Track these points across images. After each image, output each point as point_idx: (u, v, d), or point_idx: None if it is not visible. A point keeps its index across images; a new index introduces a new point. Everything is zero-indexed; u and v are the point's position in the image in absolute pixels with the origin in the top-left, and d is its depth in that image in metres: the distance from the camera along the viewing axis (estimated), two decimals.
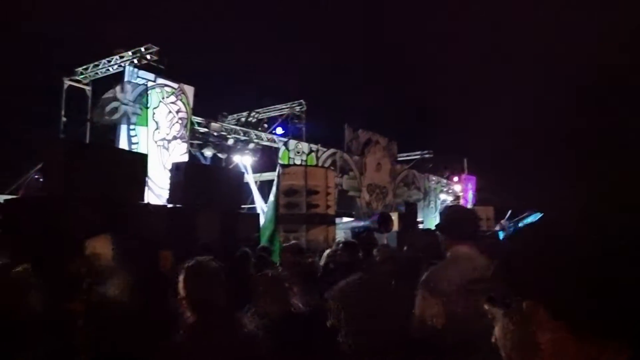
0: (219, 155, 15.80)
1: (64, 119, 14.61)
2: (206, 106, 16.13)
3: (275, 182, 10.52)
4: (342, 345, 1.73)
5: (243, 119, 17.64)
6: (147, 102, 13.63)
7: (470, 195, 26.80)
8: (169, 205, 8.40)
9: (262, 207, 14.41)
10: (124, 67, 13.72)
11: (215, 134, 15.65)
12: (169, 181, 8.98)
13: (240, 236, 8.47)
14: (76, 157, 6.63)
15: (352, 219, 15.48)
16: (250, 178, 16.17)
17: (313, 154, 17.83)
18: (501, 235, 15.83)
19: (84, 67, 14.86)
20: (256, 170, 16.75)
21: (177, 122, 14.44)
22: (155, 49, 14.03)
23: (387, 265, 4.44)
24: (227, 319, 2.17)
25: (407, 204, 15.93)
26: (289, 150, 17.00)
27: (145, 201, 8.99)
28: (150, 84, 13.77)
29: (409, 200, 20.17)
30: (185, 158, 14.09)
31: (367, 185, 20.02)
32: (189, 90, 14.84)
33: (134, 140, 13.37)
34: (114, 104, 12.98)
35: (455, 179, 26.53)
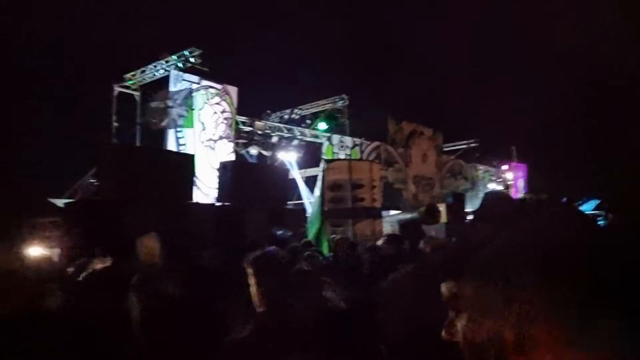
0: (264, 153, 16.02)
1: (115, 124, 15.18)
2: (250, 105, 16.40)
3: (319, 177, 10.56)
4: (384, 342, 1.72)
5: (286, 117, 17.79)
6: (193, 104, 13.97)
7: (521, 183, 26.04)
8: (217, 204, 8.59)
9: (309, 203, 14.51)
10: (170, 71, 14.10)
11: (259, 132, 15.87)
12: (216, 180, 9.17)
13: (289, 232, 8.56)
14: (128, 161, 6.89)
15: (399, 211, 15.35)
16: (297, 174, 16.32)
17: (357, 148, 17.79)
18: None
19: (132, 73, 15.37)
20: (301, 166, 16.87)
21: (222, 122, 14.73)
22: (198, 51, 14.35)
23: (437, 256, 4.38)
24: (294, 309, 2.20)
25: (454, 194, 15.63)
26: (332, 145, 17.03)
27: (194, 200, 9.23)
28: (195, 86, 14.10)
29: (456, 190, 19.83)
30: (231, 157, 14.36)
31: (413, 177, 19.79)
32: (233, 90, 15.10)
33: (181, 141, 13.74)
34: (162, 108, 13.38)
35: (505, 167, 25.83)
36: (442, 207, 12.86)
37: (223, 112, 14.79)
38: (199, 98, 14.17)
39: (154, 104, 13.46)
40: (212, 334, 2.29)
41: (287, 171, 11.59)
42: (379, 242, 7.29)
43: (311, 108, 19.01)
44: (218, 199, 8.77)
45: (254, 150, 15.64)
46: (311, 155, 17.39)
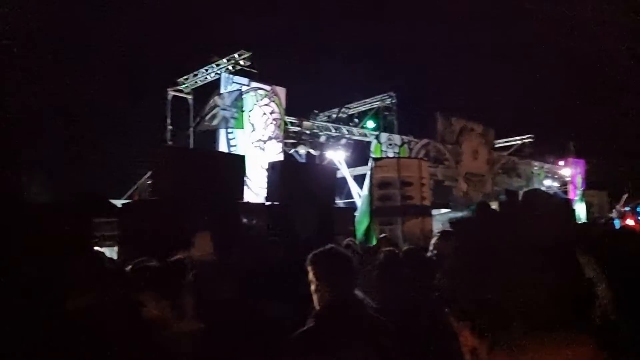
0: (312, 152, 16.16)
1: (169, 127, 15.75)
2: (298, 106, 16.59)
3: (368, 176, 10.56)
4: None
5: (334, 116, 17.87)
6: (243, 106, 14.28)
7: (579, 179, 24.99)
8: (267, 203, 8.76)
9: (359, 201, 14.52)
10: (220, 74, 14.47)
11: (307, 132, 16.02)
12: (265, 180, 9.35)
13: (337, 230, 8.62)
14: (182, 162, 7.16)
15: (449, 209, 15.11)
16: (346, 172, 16.38)
17: (405, 146, 17.64)
18: (617, 223, 14.60)
19: (185, 77, 15.90)
20: (349, 164, 16.90)
21: (271, 123, 14.97)
22: (247, 54, 14.65)
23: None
24: (357, 303, 2.24)
25: (508, 192, 15.24)
26: (380, 143, 16.96)
27: (245, 200, 9.45)
28: (244, 88, 14.41)
29: (509, 188, 19.30)
30: (280, 157, 14.57)
31: (464, 175, 19.41)
32: (281, 91, 15.32)
33: (232, 142, 14.07)
34: (214, 111, 13.76)
35: (561, 163, 24.86)
36: (494, 205, 12.57)
37: (272, 112, 15.03)
38: (248, 100, 14.47)
39: (206, 105, 13.87)
40: (268, 333, 2.36)
41: (334, 170, 11.64)
42: (432, 240, 7.24)
43: (359, 106, 18.99)
44: (267, 198, 8.93)
45: (302, 150, 15.81)
46: (359, 153, 17.40)
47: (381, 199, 10.31)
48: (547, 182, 23.62)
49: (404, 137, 17.78)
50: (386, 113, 18.71)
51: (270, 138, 14.93)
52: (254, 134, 14.56)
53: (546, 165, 24.29)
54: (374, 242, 8.41)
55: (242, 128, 14.22)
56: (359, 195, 14.42)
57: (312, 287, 2.26)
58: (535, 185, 22.87)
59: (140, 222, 6.23)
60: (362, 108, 18.92)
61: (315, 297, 2.26)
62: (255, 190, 13.01)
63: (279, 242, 4.43)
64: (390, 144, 17.16)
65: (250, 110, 14.49)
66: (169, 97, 15.92)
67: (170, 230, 5.43)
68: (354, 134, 17.36)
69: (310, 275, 2.27)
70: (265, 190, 9.02)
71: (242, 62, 14.65)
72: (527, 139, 23.75)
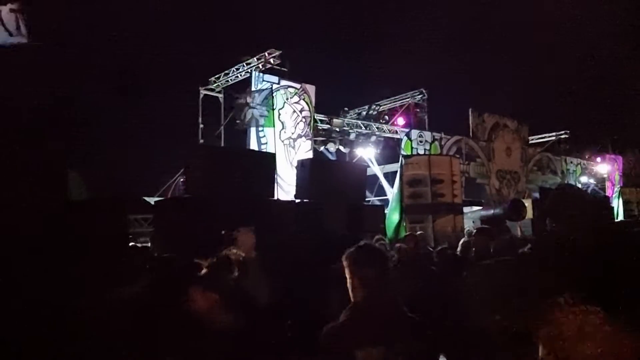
0: (342, 149, 16.16)
1: (201, 125, 16.00)
2: (328, 103, 16.60)
3: (398, 173, 10.51)
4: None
5: (364, 113, 17.81)
6: (273, 104, 14.38)
7: (616, 176, 24.29)
8: (297, 201, 8.80)
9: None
10: (251, 72, 14.61)
11: (337, 129, 16.02)
12: (295, 178, 9.39)
13: (367, 228, 8.61)
14: (214, 160, 7.27)
15: (480, 207, 14.90)
16: (377, 169, 16.35)
17: (436, 143, 17.46)
18: None
19: (216, 76, 16.11)
20: (379, 162, 16.84)
21: (301, 120, 15.04)
22: (277, 52, 14.74)
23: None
24: (391, 301, 2.27)
25: (542, 189, 14.92)
26: (411, 140, 16.83)
27: (276, 197, 9.53)
28: (274, 86, 14.51)
29: (544, 185, 18.89)
30: (310, 155, 14.63)
31: (497, 172, 19.09)
32: (311, 89, 15.37)
33: (262, 141, 14.20)
34: (245, 109, 13.91)
35: (598, 159, 24.21)
36: (527, 203, 12.35)
37: (302, 110, 15.10)
38: (278, 98, 14.57)
39: (236, 103, 14.02)
40: (308, 325, 2.41)
41: (364, 167, 11.61)
42: (465, 238, 7.16)
43: (389, 103, 18.88)
44: (296, 196, 8.97)
45: (332, 147, 15.83)
46: (390, 151, 17.31)
47: (412, 196, 10.25)
48: (584, 179, 23.06)
49: (434, 134, 17.60)
50: (417, 110, 18.55)
51: (300, 136, 15.00)
52: (284, 132, 14.65)
53: (582, 162, 23.69)
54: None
55: (273, 126, 14.33)
56: (391, 192, 14.36)
57: (348, 283, 2.31)
58: (571, 183, 22.34)
59: (175, 219, 6.36)
60: (392, 105, 18.80)
61: (350, 293, 2.30)
62: (286, 188, 13.10)
63: (309, 240, 4.47)
64: (420, 141, 17.01)
65: (280, 109, 14.58)
66: (201, 96, 16.17)
67: (204, 227, 5.53)
68: (384, 131, 17.27)
69: (346, 272, 2.32)
70: (295, 188, 9.07)
71: (272, 61, 14.76)
72: (562, 134, 23.21)
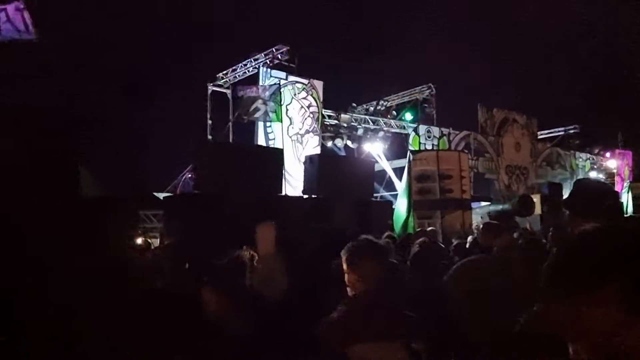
0: (350, 145, 16.14)
1: (209, 121, 16.02)
2: (335, 99, 16.59)
3: (406, 169, 10.47)
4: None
5: (372, 108, 17.76)
6: (281, 100, 14.39)
7: (626, 171, 24.09)
8: (305, 196, 8.81)
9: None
10: (259, 68, 14.62)
11: (345, 125, 16.00)
12: (303, 173, 9.40)
13: (374, 224, 8.60)
14: (223, 156, 7.29)
15: (489, 202, 14.84)
16: (386, 165, 16.33)
17: (444, 138, 17.39)
18: None
19: (224, 72, 16.12)
20: (387, 157, 16.81)
21: (308, 116, 15.04)
22: (285, 48, 14.73)
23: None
24: (390, 297, 2.26)
25: (550, 184, 14.82)
26: (419, 136, 16.78)
27: (284, 193, 9.54)
28: (282, 82, 14.51)
29: (553, 180, 18.78)
30: (317, 150, 14.63)
31: (506, 167, 19.00)
32: (319, 84, 15.36)
33: (270, 136, 14.22)
34: (254, 104, 13.92)
35: (608, 154, 24.02)
36: (536, 198, 12.29)
37: (309, 106, 15.09)
38: (286, 93, 14.57)
39: (244, 97, 14.02)
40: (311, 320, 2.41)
41: (372, 163, 11.60)
42: (471, 237, 7.15)
43: (397, 98, 18.81)
44: (304, 191, 8.97)
45: (340, 143, 15.81)
46: (398, 146, 17.27)
47: (420, 192, 10.23)
48: (593, 174, 22.89)
49: (443, 129, 17.53)
50: (425, 105, 18.47)
51: (307, 131, 15.00)
52: (292, 127, 14.66)
53: (592, 157, 23.53)
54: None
55: (280, 121, 14.34)
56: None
57: (346, 279, 2.30)
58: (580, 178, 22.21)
59: (184, 215, 6.40)
60: (400, 100, 18.73)
61: (348, 289, 2.29)
62: (294, 184, 13.12)
63: (320, 234, 4.47)
64: (428, 137, 16.95)
65: (288, 104, 14.59)
66: (209, 92, 16.18)
67: (214, 223, 5.56)
68: (392, 127, 17.23)
69: (344, 266, 2.30)
70: (303, 183, 9.08)
71: (280, 56, 14.76)
72: (571, 129, 23.04)
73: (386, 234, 6.52)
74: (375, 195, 16.11)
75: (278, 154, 8.91)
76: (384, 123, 17.00)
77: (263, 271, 3.38)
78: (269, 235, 3.63)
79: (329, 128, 15.85)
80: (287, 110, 14.56)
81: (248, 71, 15.41)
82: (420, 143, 16.58)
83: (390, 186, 16.39)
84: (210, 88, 16.18)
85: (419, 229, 7.23)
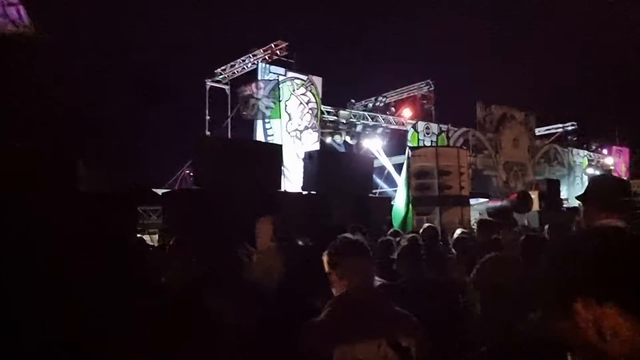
0: (349, 141, 16.14)
1: (208, 117, 16.00)
2: (334, 95, 16.58)
3: (405, 165, 10.47)
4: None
5: (370, 105, 17.76)
6: (280, 96, 14.37)
7: (623, 168, 24.18)
8: (304, 192, 8.81)
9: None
10: (257, 64, 14.59)
11: (344, 121, 16.00)
12: (302, 169, 9.40)
13: (374, 220, 8.62)
14: (222, 152, 7.29)
15: (487, 199, 14.87)
16: (386, 161, 16.34)
17: (443, 134, 17.40)
18: None
19: (222, 68, 16.09)
20: (386, 154, 16.83)
21: (307, 112, 15.03)
22: (284, 44, 14.72)
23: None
24: (376, 295, 2.24)
25: (548, 180, 14.85)
26: (418, 132, 16.78)
27: (283, 189, 9.54)
28: (281, 78, 14.50)
29: (551, 177, 18.82)
30: (316, 146, 14.63)
31: (504, 163, 19.02)
32: (317, 80, 15.34)
33: (269, 132, 14.20)
34: (250, 101, 13.91)
35: (605, 151, 24.10)
36: (534, 195, 12.31)
37: (308, 102, 15.08)
38: (285, 89, 14.56)
39: (242, 94, 14.01)
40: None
41: (371, 159, 11.60)
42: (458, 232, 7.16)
43: (396, 95, 18.81)
44: (303, 188, 8.98)
45: (339, 139, 15.81)
46: (396, 142, 17.27)
47: (419, 188, 10.21)
48: (590, 171, 22.95)
49: (441, 125, 17.54)
50: (424, 101, 18.48)
51: (306, 127, 14.99)
52: (291, 123, 14.64)
53: (589, 154, 23.58)
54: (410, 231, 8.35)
55: (279, 117, 14.33)
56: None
57: (330, 278, 2.27)
58: (578, 174, 22.25)
59: (185, 211, 6.40)
60: (399, 96, 18.74)
61: (333, 289, 2.26)
62: (292, 180, 13.12)
63: (319, 230, 4.48)
64: (427, 133, 16.96)
65: (286, 100, 14.57)
66: (207, 88, 16.16)
67: (215, 219, 5.56)
68: (390, 123, 17.23)
69: (326, 267, 2.28)
70: (302, 179, 9.08)
71: (278, 52, 14.74)
72: (569, 126, 23.10)
73: (391, 230, 6.52)
74: (377, 190, 16.18)
75: (277, 149, 8.91)
76: (383, 119, 17.00)
77: (262, 265, 3.40)
78: (268, 230, 3.65)
79: (327, 124, 15.84)
80: (285, 106, 14.55)
81: (247, 67, 15.39)
82: (419, 139, 16.59)
83: (392, 182, 16.40)
84: (209, 84, 16.15)
85: (427, 225, 7.18)
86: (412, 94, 18.57)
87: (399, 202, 10.02)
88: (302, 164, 9.67)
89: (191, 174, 13.51)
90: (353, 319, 2.06)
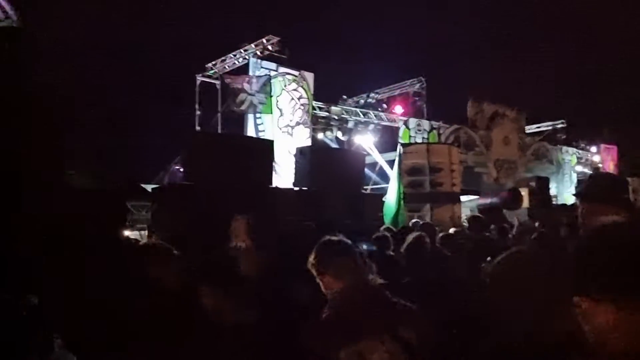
0: (341, 137, 16.11)
1: (198, 112, 15.85)
2: (326, 91, 16.52)
3: (396, 162, 10.46)
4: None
5: (362, 101, 17.73)
6: (271, 91, 14.28)
7: (611, 166, 24.41)
8: (295, 188, 8.76)
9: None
10: (249, 59, 14.48)
11: (335, 117, 15.95)
12: (293, 165, 9.34)
13: (365, 216, 8.59)
14: (213, 147, 7.21)
15: (478, 196, 14.91)
16: (379, 157, 16.33)
17: (434, 132, 17.42)
18: None
19: (213, 62, 15.94)
20: (378, 150, 16.82)
21: (299, 108, 14.95)
22: (276, 39, 14.60)
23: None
24: (372, 291, 2.22)
25: (538, 178, 14.94)
26: (409, 129, 16.78)
27: (274, 185, 9.48)
28: (273, 73, 14.41)
29: (540, 174, 18.93)
30: (308, 142, 14.56)
31: (495, 161, 19.10)
32: (309, 76, 15.26)
33: (260, 128, 14.11)
34: (240, 95, 13.79)
35: (593, 149, 24.33)
36: (524, 192, 12.37)
37: (300, 98, 15.01)
38: (276, 85, 14.47)
39: (232, 89, 13.88)
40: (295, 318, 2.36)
41: (363, 155, 11.57)
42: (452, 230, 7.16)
43: (388, 91, 18.79)
44: (295, 184, 8.93)
45: (331, 135, 15.76)
46: (388, 139, 17.26)
47: (410, 185, 10.21)
48: (579, 168, 23.16)
49: (433, 122, 17.55)
50: (415, 98, 18.48)
51: (298, 123, 14.93)
52: (282, 119, 14.56)
53: (578, 151, 23.77)
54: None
55: (271, 113, 14.25)
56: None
57: (322, 280, 2.26)
58: (566, 172, 22.42)
59: (175, 207, 6.32)
60: (391, 93, 18.72)
61: (325, 290, 2.25)
62: (284, 176, 13.06)
63: (313, 227, 4.43)
64: (419, 130, 16.96)
65: (278, 96, 14.49)
66: (197, 83, 16.00)
67: (203, 214, 5.49)
68: (382, 119, 17.21)
69: (315, 271, 2.27)
70: (294, 175, 9.02)
71: (270, 47, 14.63)
72: (559, 124, 23.25)
73: (384, 226, 6.51)
74: (373, 186, 16.18)
75: (269, 145, 8.84)
76: (375, 116, 16.98)
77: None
78: (242, 229, 3.61)
79: (319, 120, 15.78)
80: (277, 101, 14.47)
81: (238, 62, 15.26)
82: (410, 136, 16.59)
83: (386, 178, 16.41)
84: (199, 79, 15.99)
85: (424, 222, 7.16)
86: (404, 91, 18.56)
87: (391, 199, 10.00)
88: (293, 160, 9.61)
89: (180, 169, 13.38)
90: (355, 317, 2.04)
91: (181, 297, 2.24)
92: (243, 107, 13.87)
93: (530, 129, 22.39)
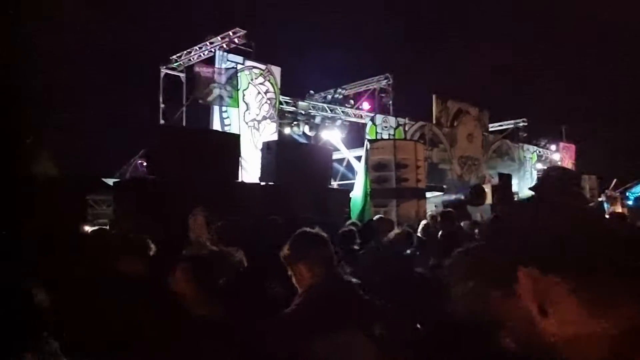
0: (308, 132, 16.06)
1: (162, 105, 15.53)
2: (293, 85, 16.43)
3: (363, 157, 10.51)
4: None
5: (329, 97, 17.72)
6: (238, 85, 14.11)
7: (569, 164, 25.22)
8: (262, 183, 8.69)
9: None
10: (214, 52, 14.26)
11: (302, 112, 15.89)
12: (260, 160, 9.26)
13: (332, 211, 8.60)
14: (177, 141, 7.07)
15: (442, 192, 15.15)
16: (347, 152, 16.36)
17: (400, 128, 17.58)
18: (606, 206, 14.76)
19: (178, 54, 15.63)
20: (346, 146, 16.86)
21: (266, 102, 14.83)
22: (242, 32, 14.41)
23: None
24: (344, 286, 2.21)
25: (500, 175, 15.28)
26: (376, 125, 16.88)
27: (240, 180, 9.37)
28: (239, 66, 14.23)
29: (502, 171, 19.38)
30: (274, 137, 14.47)
31: (459, 158, 19.45)
32: (276, 70, 15.15)
33: (226, 122, 13.93)
34: (212, 86, 13.58)
35: (553, 147, 25.06)
36: (487, 188, 12.62)
37: (267, 92, 14.88)
38: (243, 78, 14.31)
39: (201, 78, 13.63)
40: (264, 312, 2.33)
41: (330, 151, 11.57)
42: (425, 221, 7.24)
43: (354, 87, 18.84)
44: (261, 179, 8.86)
45: (298, 130, 15.70)
46: (355, 135, 17.32)
47: (377, 180, 10.27)
48: (539, 166, 23.80)
49: (399, 119, 17.70)
50: (382, 95, 18.59)
51: (264, 118, 14.81)
52: (249, 113, 14.41)
53: (538, 150, 24.44)
54: None
55: (237, 107, 14.08)
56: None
57: (292, 273, 2.25)
58: (527, 169, 23.03)
59: (138, 201, 6.16)
60: (358, 89, 18.78)
61: (295, 282, 2.24)
62: (250, 170, 12.94)
63: (278, 222, 4.39)
64: (385, 126, 17.08)
65: (245, 89, 14.33)
66: (162, 75, 15.67)
67: (167, 209, 5.38)
68: (349, 115, 17.25)
69: (287, 262, 2.27)
70: (260, 170, 8.95)
71: (236, 40, 14.44)
72: (520, 122, 23.85)
73: (349, 222, 6.50)
74: (341, 181, 16.20)
75: (235, 139, 8.74)
76: (342, 112, 17.00)
77: None
78: (199, 223, 3.57)
79: (286, 115, 15.70)
80: (243, 95, 14.30)
81: (203, 54, 15.01)
82: (377, 132, 16.68)
83: (354, 173, 16.48)
84: (164, 71, 15.67)
85: (379, 216, 7.18)
86: (370, 87, 18.64)
87: (357, 194, 10.05)
88: (260, 154, 9.52)
89: (144, 163, 13.09)
90: (327, 310, 2.03)
91: (153, 289, 2.18)
92: (210, 99, 13.66)
93: (493, 126, 22.89)
